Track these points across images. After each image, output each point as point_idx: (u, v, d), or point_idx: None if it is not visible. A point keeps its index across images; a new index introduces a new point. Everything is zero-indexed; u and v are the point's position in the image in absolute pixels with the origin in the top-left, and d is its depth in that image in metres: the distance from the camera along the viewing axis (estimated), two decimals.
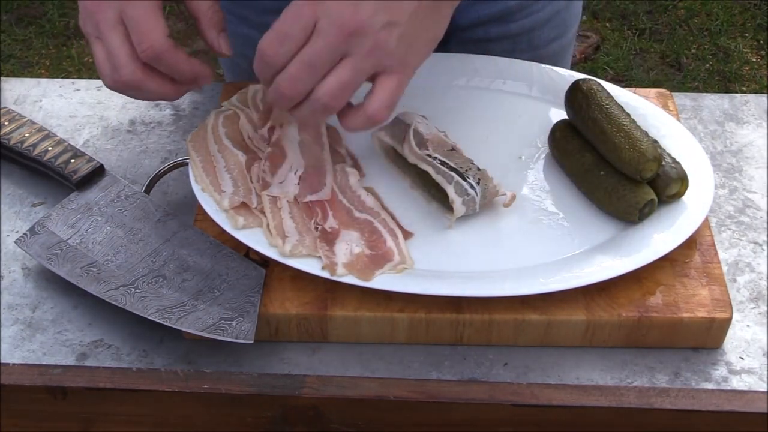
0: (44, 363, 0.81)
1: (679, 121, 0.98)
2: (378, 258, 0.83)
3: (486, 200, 0.88)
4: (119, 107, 1.05)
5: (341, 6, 0.76)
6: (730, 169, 0.99)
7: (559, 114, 0.95)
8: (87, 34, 0.84)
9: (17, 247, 0.88)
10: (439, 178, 0.87)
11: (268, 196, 0.87)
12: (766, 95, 1.07)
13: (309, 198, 0.88)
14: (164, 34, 0.81)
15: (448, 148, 0.89)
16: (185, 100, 1.06)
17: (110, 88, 0.85)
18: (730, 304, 0.82)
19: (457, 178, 0.86)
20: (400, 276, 0.82)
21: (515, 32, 1.12)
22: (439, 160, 0.88)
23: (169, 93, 0.86)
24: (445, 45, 1.11)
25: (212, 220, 0.86)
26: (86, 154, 0.94)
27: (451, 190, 0.86)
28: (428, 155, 0.89)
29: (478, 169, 0.88)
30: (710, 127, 1.04)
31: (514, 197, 0.88)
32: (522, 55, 1.11)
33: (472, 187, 0.86)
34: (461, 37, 1.11)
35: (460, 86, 1.02)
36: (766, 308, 0.86)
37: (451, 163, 0.88)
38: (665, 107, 1.00)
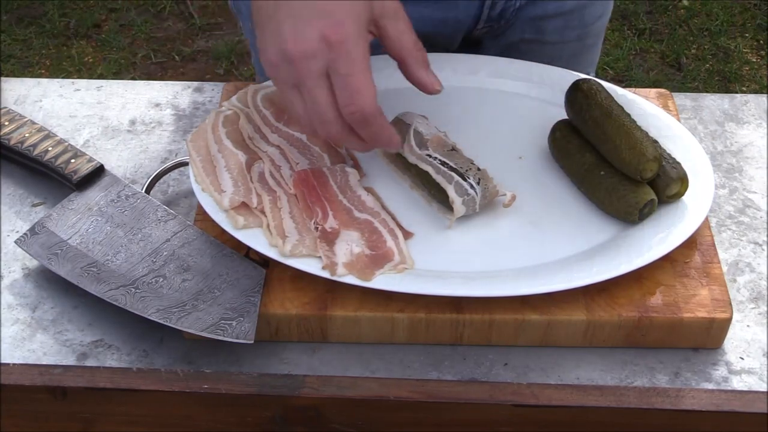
0: (44, 363, 0.81)
1: (679, 121, 0.98)
2: (378, 258, 0.83)
3: (486, 200, 0.88)
4: (119, 107, 1.05)
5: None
6: (730, 169, 0.99)
7: (559, 114, 0.95)
8: (280, 80, 0.80)
9: (17, 247, 0.88)
10: (439, 178, 0.87)
11: (268, 196, 0.88)
12: (766, 95, 1.07)
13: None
14: (374, 97, 0.78)
15: (449, 148, 0.89)
16: (185, 100, 1.06)
17: (309, 134, 0.83)
18: (730, 304, 0.82)
19: (457, 178, 0.86)
20: (401, 276, 0.82)
21: (569, 9, 1.14)
22: (440, 160, 0.88)
23: (362, 148, 0.84)
24: (509, 26, 1.12)
25: (212, 220, 0.86)
26: (86, 154, 0.94)
27: (451, 190, 0.86)
28: (428, 155, 0.89)
29: (478, 169, 0.88)
30: (710, 127, 1.04)
31: (514, 197, 0.88)
32: (572, 32, 1.14)
33: (472, 187, 0.86)
34: (520, 16, 1.11)
35: (460, 86, 1.02)
36: (766, 308, 0.86)
37: (451, 163, 0.88)
38: (665, 107, 1.00)
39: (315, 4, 0.77)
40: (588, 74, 1.20)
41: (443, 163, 0.88)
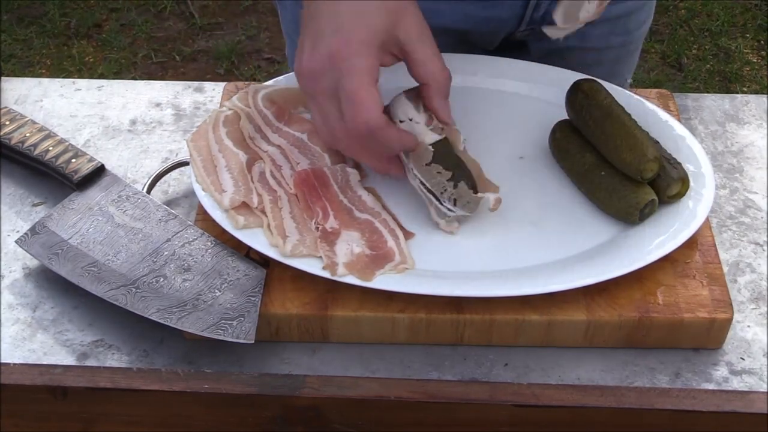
0: (45, 363, 0.81)
1: (679, 121, 0.98)
2: (379, 258, 0.83)
3: (471, 211, 0.87)
4: (120, 107, 1.05)
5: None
6: (730, 170, 0.99)
7: (560, 114, 0.95)
8: (302, 91, 0.85)
9: (18, 247, 0.88)
10: (422, 196, 0.87)
11: (269, 196, 0.88)
12: (766, 96, 1.07)
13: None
14: (378, 110, 0.81)
15: (427, 159, 0.86)
16: (186, 100, 1.06)
17: (329, 147, 0.89)
18: (731, 305, 0.82)
19: (435, 201, 0.86)
20: (401, 276, 0.82)
21: (615, 15, 1.13)
22: (419, 179, 0.87)
23: (378, 168, 0.88)
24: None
25: (213, 220, 0.86)
26: (87, 154, 0.94)
27: (432, 213, 0.86)
28: (411, 168, 0.87)
29: (455, 187, 0.85)
30: (711, 128, 1.04)
31: (499, 201, 0.86)
32: (616, 39, 1.14)
33: (449, 209, 0.86)
34: None
35: (460, 86, 1.02)
36: (766, 309, 0.86)
37: (428, 184, 0.86)
38: (666, 107, 1.00)
39: (335, 22, 0.81)
40: (626, 80, 1.21)
41: (422, 183, 0.86)
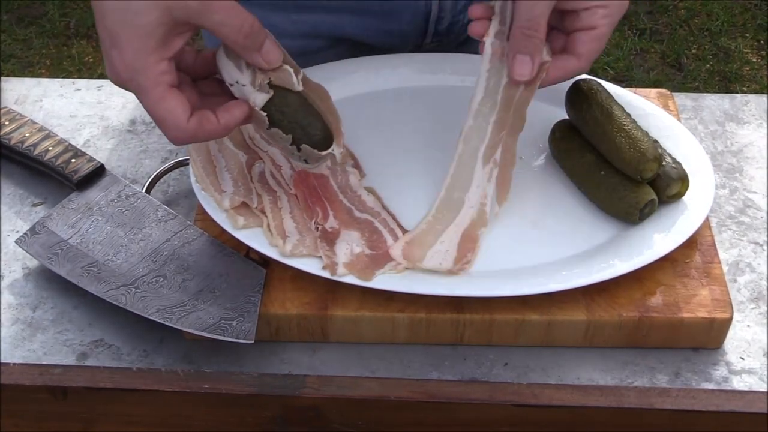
0: (44, 363, 0.81)
1: (679, 121, 0.98)
2: (378, 258, 0.83)
3: (325, 162, 0.86)
4: (120, 107, 1.05)
5: None
6: (730, 170, 0.99)
7: (560, 114, 0.95)
8: None
9: (18, 247, 0.88)
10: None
11: (269, 196, 0.88)
12: (766, 95, 1.07)
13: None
14: (179, 124, 0.74)
15: (266, 125, 0.81)
16: None
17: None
18: (731, 305, 0.82)
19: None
20: (401, 276, 0.82)
21: None
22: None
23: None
24: (465, 42, 1.11)
25: (213, 220, 0.86)
26: (87, 154, 0.94)
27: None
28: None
29: (298, 150, 0.82)
30: (711, 128, 1.04)
31: (346, 155, 0.84)
32: None
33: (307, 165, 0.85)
34: None
35: (460, 86, 1.02)
36: (766, 308, 0.86)
37: (279, 146, 0.84)
38: (666, 107, 1.00)
39: (107, 32, 0.74)
40: None
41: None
